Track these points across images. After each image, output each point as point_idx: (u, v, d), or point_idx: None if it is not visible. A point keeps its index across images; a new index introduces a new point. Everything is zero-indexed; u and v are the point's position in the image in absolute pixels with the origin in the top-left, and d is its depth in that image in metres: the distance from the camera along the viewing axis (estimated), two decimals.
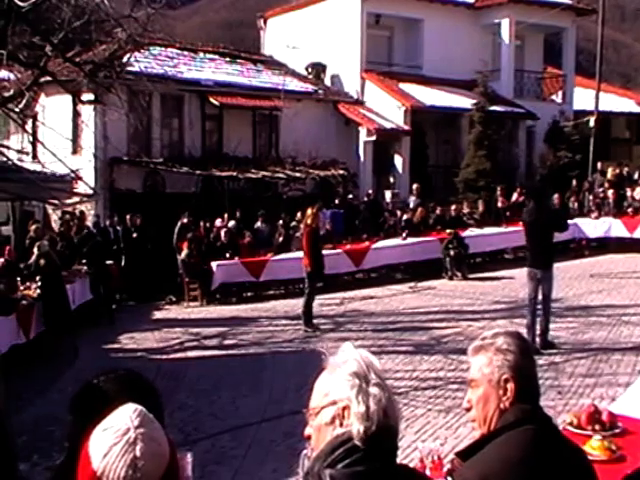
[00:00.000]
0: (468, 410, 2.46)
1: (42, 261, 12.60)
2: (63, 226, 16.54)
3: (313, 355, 10.71)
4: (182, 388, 10.10)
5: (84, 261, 15.42)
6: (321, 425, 1.87)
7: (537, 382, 2.47)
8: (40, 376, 10.41)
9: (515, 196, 20.59)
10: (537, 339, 10.57)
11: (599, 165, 23.02)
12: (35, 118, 18.53)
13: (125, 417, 1.61)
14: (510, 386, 2.35)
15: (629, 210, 20.13)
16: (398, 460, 1.95)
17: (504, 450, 2.27)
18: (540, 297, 10.72)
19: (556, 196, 21.18)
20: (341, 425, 1.83)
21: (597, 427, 4.31)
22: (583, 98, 27.24)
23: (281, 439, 7.72)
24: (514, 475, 2.23)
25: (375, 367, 1.91)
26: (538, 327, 10.72)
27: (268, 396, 9.32)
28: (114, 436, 1.58)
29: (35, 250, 12.77)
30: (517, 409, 2.33)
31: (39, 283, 12.48)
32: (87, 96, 17.73)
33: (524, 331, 11.10)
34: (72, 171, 15.18)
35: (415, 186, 21.45)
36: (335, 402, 1.85)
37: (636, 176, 22.56)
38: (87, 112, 19.15)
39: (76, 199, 17.29)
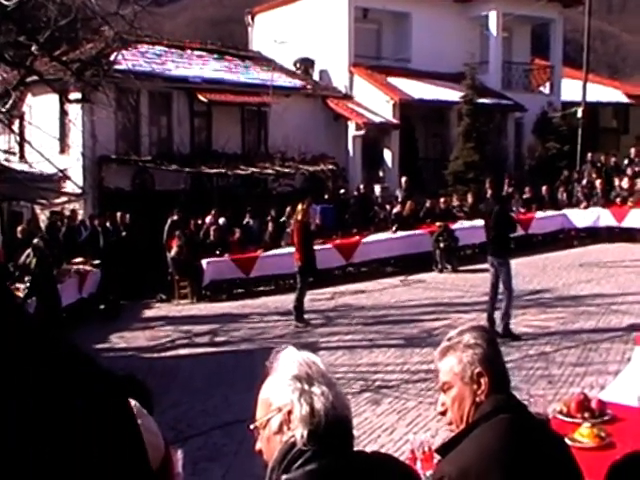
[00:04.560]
0: (443, 414, 2.47)
1: (33, 260, 12.55)
2: (51, 226, 16.45)
3: (304, 350, 10.70)
4: (174, 386, 10.09)
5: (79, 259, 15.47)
6: (270, 435, 1.86)
7: (506, 371, 2.49)
8: None
9: (505, 187, 20.62)
10: (499, 329, 10.71)
11: (589, 155, 23.08)
12: (22, 118, 18.47)
13: None
14: (484, 379, 2.37)
15: (617, 200, 20.23)
16: (391, 452, 1.95)
17: (481, 441, 2.29)
18: (501, 286, 10.96)
19: (545, 188, 21.31)
20: (289, 429, 1.82)
21: (586, 415, 4.33)
22: (571, 89, 27.27)
23: None
24: (494, 465, 2.23)
25: (317, 366, 1.90)
26: (498, 315, 10.97)
27: (259, 391, 9.31)
28: None
29: (30, 249, 12.69)
30: (492, 400, 2.36)
31: (27, 283, 12.43)
32: (74, 95, 17.65)
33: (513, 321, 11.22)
34: (60, 170, 15.14)
35: (404, 179, 21.46)
36: (280, 409, 1.84)
37: (624, 165, 22.62)
38: (75, 111, 19.04)
39: (64, 199, 17.23)
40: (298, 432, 1.78)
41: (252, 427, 1.92)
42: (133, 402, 1.67)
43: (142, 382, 2.10)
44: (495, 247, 11.21)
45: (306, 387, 1.83)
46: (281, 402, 1.85)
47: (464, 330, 2.49)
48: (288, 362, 1.90)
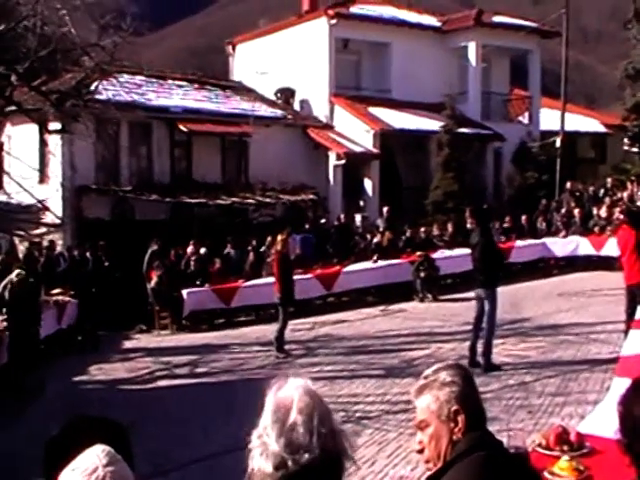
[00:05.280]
0: (420, 452, 2.46)
1: (7, 293, 12.42)
2: (28, 257, 16.33)
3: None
4: (152, 418, 10.00)
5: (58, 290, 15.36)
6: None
7: (482, 407, 2.49)
8: (5, 411, 10.24)
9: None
10: (480, 359, 10.72)
11: (568, 184, 23.30)
12: (1, 148, 18.43)
13: (93, 456, 1.64)
14: (460, 417, 2.37)
15: (595, 228, 20.43)
16: None
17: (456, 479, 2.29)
18: (485, 317, 10.99)
19: (524, 217, 21.48)
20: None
21: (565, 448, 4.34)
22: (549, 119, 27.62)
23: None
24: None
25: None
26: (480, 347, 10.92)
27: (240, 424, 9.20)
28: (83, 475, 1.60)
29: (13, 277, 12.54)
30: (468, 438, 2.35)
31: (5, 316, 12.30)
32: (54, 125, 17.67)
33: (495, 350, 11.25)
34: (39, 201, 15.09)
35: (385, 209, 21.58)
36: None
37: (601, 194, 22.88)
38: (54, 141, 19.07)
39: (43, 229, 17.15)
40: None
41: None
42: (106, 448, 1.68)
43: (117, 423, 2.10)
44: (483, 279, 11.18)
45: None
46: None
47: (440, 368, 2.49)
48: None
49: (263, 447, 1.79)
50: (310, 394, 1.86)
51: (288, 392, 1.86)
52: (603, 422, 4.78)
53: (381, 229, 20.57)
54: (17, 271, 12.72)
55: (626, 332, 9.32)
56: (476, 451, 2.32)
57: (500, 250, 12.30)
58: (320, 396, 1.88)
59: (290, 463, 1.75)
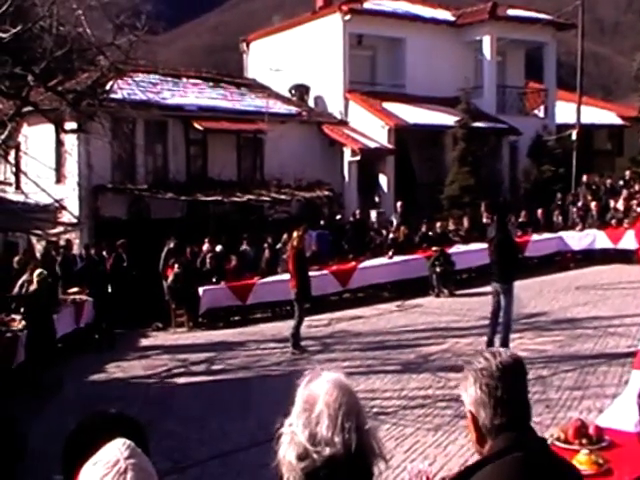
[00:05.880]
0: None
1: (33, 288, 12.52)
2: (45, 257, 16.45)
3: (301, 378, 10.70)
4: (170, 415, 10.05)
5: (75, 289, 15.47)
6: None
7: (525, 402, 2.34)
8: (23, 408, 10.31)
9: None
10: None
11: (584, 178, 23.18)
12: (18, 148, 18.51)
13: (115, 449, 1.66)
14: (489, 413, 2.26)
15: (612, 221, 20.29)
16: (391, 479, 1.96)
17: None
18: (502, 312, 10.98)
19: (540, 211, 21.38)
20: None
21: (584, 441, 4.34)
22: (565, 111, 27.46)
23: (270, 464, 7.67)
24: None
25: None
26: (497, 341, 10.97)
27: (257, 420, 9.28)
28: (104, 467, 1.62)
29: (35, 277, 12.63)
30: (504, 437, 2.23)
31: (24, 314, 12.39)
32: (70, 125, 17.74)
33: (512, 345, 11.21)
34: (56, 201, 15.16)
35: (399, 204, 21.54)
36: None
37: (620, 186, 22.73)
38: (70, 141, 19.15)
39: (60, 229, 17.24)
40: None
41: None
42: (127, 441, 1.69)
43: (134, 419, 2.11)
44: (500, 273, 11.17)
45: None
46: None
47: (480, 358, 2.34)
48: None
49: (291, 436, 1.84)
50: (341, 388, 1.87)
51: (319, 385, 1.88)
52: (622, 415, 4.76)
53: (395, 224, 20.52)
54: (38, 271, 12.81)
55: None
56: (513, 452, 2.20)
57: (517, 245, 12.25)
58: (352, 391, 1.88)
59: (315, 456, 1.78)
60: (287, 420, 1.86)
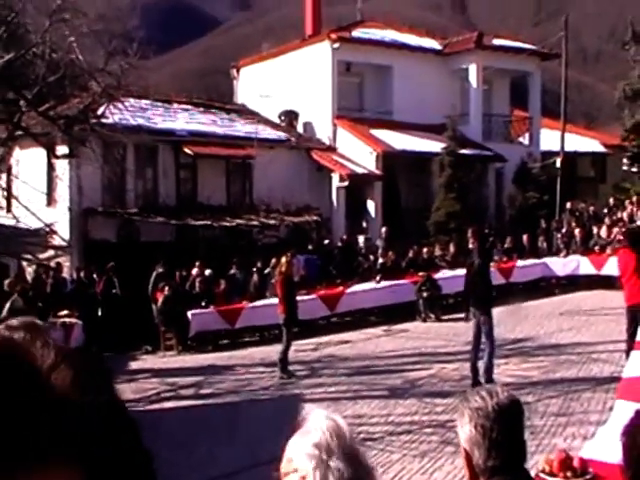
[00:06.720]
0: None
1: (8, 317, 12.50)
2: (36, 280, 16.44)
3: (289, 402, 10.71)
4: (158, 440, 9.98)
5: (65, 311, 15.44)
6: None
7: (519, 445, 2.31)
8: None
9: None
10: (482, 379, 10.75)
11: (568, 204, 23.38)
12: (9, 172, 18.53)
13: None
14: (474, 456, 2.26)
15: (596, 248, 20.47)
16: None
17: None
18: (483, 338, 11.04)
19: (525, 236, 21.55)
20: None
21: (569, 474, 4.38)
22: (549, 139, 27.73)
23: None
24: None
25: (342, 436, 1.83)
26: (481, 366, 10.97)
27: (246, 444, 9.29)
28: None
29: (7, 305, 12.66)
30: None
31: None
32: (62, 149, 17.78)
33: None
34: (46, 225, 15.18)
35: (384, 229, 21.66)
36: (296, 470, 1.83)
37: (604, 213, 22.94)
38: (62, 165, 19.18)
39: (51, 252, 17.24)
40: None
41: (275, 474, 1.97)
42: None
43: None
44: (477, 299, 11.31)
45: (324, 458, 1.79)
46: (299, 465, 1.83)
47: (471, 397, 2.31)
48: (314, 426, 1.86)
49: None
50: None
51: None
52: (605, 447, 4.81)
53: (380, 250, 20.61)
54: (14, 297, 12.78)
55: (627, 352, 9.36)
56: None
57: (489, 278, 12.28)
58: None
59: None
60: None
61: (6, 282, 15.05)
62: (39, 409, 0.59)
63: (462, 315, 17.64)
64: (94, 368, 0.67)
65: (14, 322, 0.65)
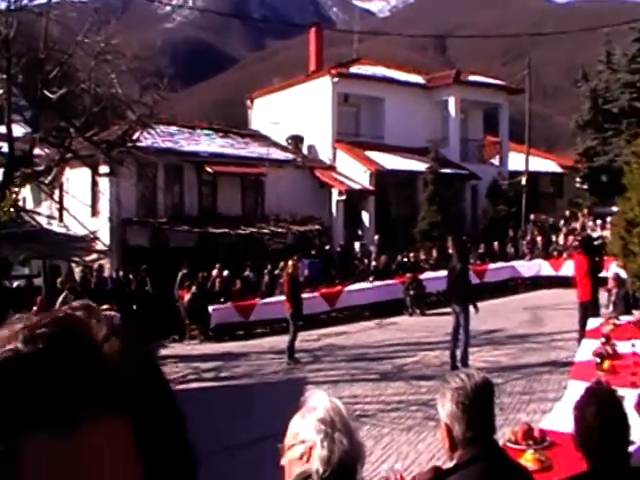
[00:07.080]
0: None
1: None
2: (83, 279, 16.53)
3: (295, 384, 10.77)
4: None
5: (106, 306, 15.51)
6: (292, 459, 1.91)
7: (489, 418, 2.34)
8: None
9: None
10: (459, 364, 10.81)
11: (532, 216, 23.46)
12: (61, 188, 18.62)
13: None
14: (454, 430, 2.29)
15: (554, 253, 20.59)
16: (368, 472, 2.00)
17: None
18: (461, 330, 11.10)
19: (496, 243, 21.61)
20: (307, 462, 1.85)
21: (530, 442, 4.42)
22: (516, 161, 27.79)
23: (271, 458, 7.73)
24: None
25: (342, 414, 1.90)
26: (459, 354, 11.04)
27: (257, 420, 9.34)
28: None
29: (59, 299, 12.73)
30: (470, 449, 2.27)
31: None
32: (103, 169, 17.89)
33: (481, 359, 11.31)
34: (91, 232, 15.28)
35: (376, 237, 21.70)
36: (304, 441, 1.87)
37: (562, 224, 23.04)
38: (104, 182, 19.29)
39: (94, 256, 17.33)
40: (314, 467, 1.82)
41: (279, 446, 1.96)
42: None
43: None
44: (457, 297, 11.35)
45: (329, 431, 1.84)
46: (306, 437, 1.88)
47: (451, 379, 2.35)
48: (318, 406, 1.91)
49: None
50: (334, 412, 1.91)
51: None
52: (561, 419, 4.88)
53: (373, 254, 20.66)
54: (65, 292, 12.85)
55: (579, 341, 9.44)
56: (478, 461, 2.23)
57: (469, 280, 12.34)
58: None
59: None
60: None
61: (58, 280, 15.15)
62: (95, 371, 0.62)
63: (443, 310, 17.84)
64: (138, 340, 0.70)
65: (75, 304, 0.68)
